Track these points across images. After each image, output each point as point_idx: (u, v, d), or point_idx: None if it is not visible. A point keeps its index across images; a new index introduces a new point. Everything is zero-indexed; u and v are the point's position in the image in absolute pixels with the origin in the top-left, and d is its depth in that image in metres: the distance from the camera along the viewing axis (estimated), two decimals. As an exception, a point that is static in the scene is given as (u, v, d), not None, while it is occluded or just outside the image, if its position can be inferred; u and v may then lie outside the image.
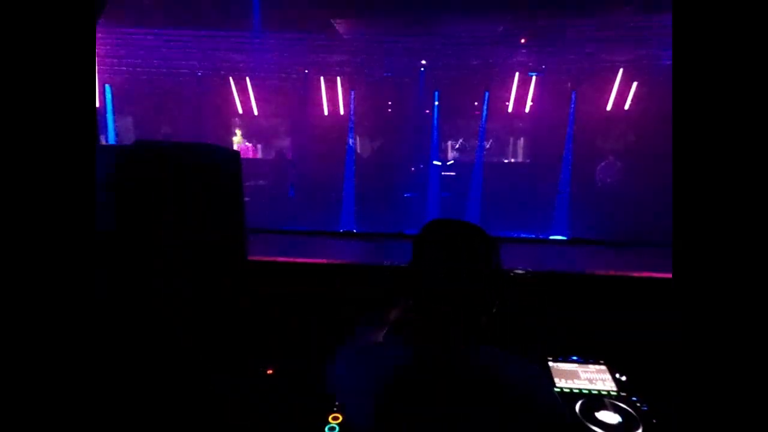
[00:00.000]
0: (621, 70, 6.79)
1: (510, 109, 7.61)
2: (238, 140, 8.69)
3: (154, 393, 1.16)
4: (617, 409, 1.36)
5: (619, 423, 1.30)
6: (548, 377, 0.84)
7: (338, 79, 7.62)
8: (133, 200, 1.13)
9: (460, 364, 0.87)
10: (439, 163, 8.14)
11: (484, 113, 7.80)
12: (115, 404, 1.10)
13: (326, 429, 1.31)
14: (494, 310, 0.93)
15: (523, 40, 6.04)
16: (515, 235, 6.46)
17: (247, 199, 1.47)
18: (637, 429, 1.28)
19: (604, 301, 1.75)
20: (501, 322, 0.95)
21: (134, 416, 1.14)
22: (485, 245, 0.92)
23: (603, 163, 7.36)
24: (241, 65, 7.16)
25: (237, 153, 1.47)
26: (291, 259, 2.09)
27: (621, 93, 7.02)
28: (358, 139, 8.15)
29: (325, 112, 7.85)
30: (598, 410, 1.35)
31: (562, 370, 1.57)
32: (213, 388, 1.27)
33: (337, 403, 1.38)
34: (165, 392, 1.17)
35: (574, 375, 1.55)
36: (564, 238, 6.59)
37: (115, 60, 6.71)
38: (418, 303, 0.93)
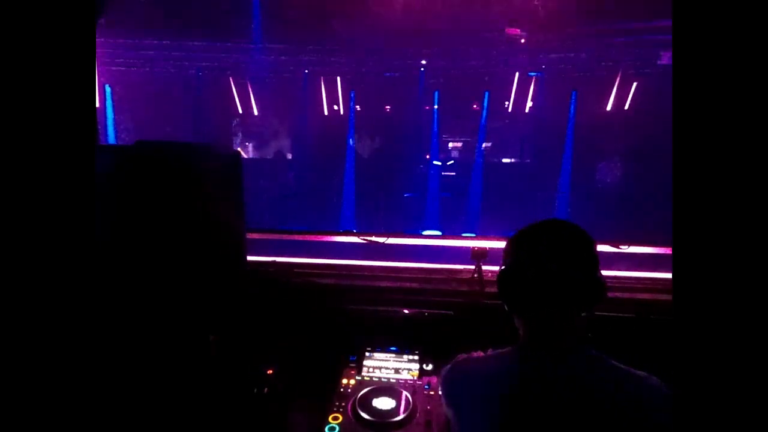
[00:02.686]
0: (621, 70, 6.79)
1: (510, 109, 7.61)
2: (238, 140, 8.69)
3: (154, 393, 1.16)
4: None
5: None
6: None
7: (338, 79, 7.62)
8: (133, 200, 1.13)
9: (582, 381, 0.86)
10: (439, 163, 8.14)
11: (484, 113, 7.80)
12: (113, 404, 1.10)
13: (326, 429, 1.31)
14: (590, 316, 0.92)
15: (522, 41, 6.04)
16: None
17: (246, 198, 1.47)
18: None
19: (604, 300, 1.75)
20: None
21: (134, 416, 1.14)
22: (593, 249, 0.91)
23: (603, 163, 7.37)
24: (241, 65, 7.17)
25: (237, 153, 1.47)
26: (291, 259, 2.09)
27: (621, 93, 7.03)
28: (358, 139, 8.14)
29: (325, 112, 7.84)
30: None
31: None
32: (213, 388, 1.27)
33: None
34: (165, 392, 1.17)
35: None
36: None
37: (116, 61, 6.72)
38: (525, 307, 0.91)
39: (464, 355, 1.01)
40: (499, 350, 0.98)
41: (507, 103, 7.60)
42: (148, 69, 7.04)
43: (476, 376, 0.94)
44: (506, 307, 0.96)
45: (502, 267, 0.95)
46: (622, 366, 0.89)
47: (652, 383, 0.84)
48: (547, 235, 0.91)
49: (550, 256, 0.87)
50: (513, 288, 0.91)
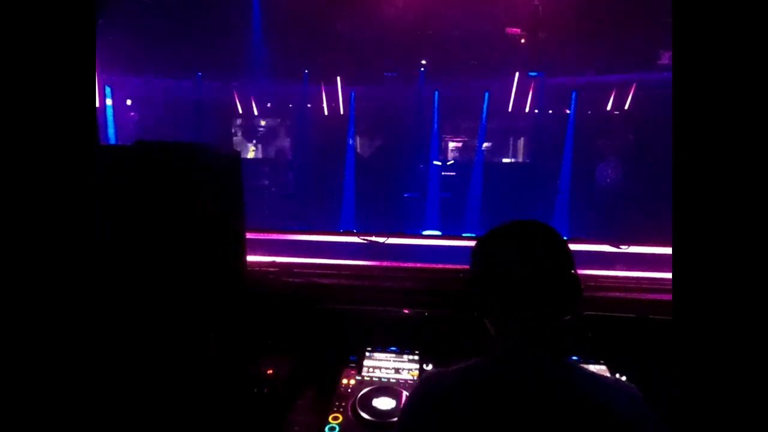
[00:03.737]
0: (621, 71, 6.79)
1: (510, 109, 7.60)
2: (238, 140, 8.69)
3: (154, 393, 1.16)
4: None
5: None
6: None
7: (338, 79, 7.61)
8: (133, 200, 1.13)
9: (554, 384, 0.81)
10: (439, 163, 8.14)
11: (484, 113, 7.80)
12: (114, 404, 1.10)
13: (326, 429, 1.31)
14: (570, 317, 0.86)
15: (522, 41, 6.04)
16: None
17: (246, 198, 1.47)
18: (637, 429, 1.28)
19: (604, 301, 1.75)
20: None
21: (134, 416, 1.14)
22: (565, 245, 0.87)
23: (602, 163, 7.37)
24: (241, 66, 7.16)
25: (237, 153, 1.47)
26: (291, 259, 2.09)
27: (621, 93, 7.02)
28: (358, 139, 8.14)
29: (325, 112, 7.84)
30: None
31: (562, 370, 1.57)
32: (213, 388, 1.27)
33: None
34: (165, 392, 1.17)
35: (574, 375, 1.55)
36: (564, 237, 6.58)
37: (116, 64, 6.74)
38: (495, 312, 0.87)
39: (433, 371, 0.95)
40: (469, 362, 0.91)
41: (507, 103, 7.59)
42: (147, 69, 7.04)
43: (449, 393, 0.86)
44: (476, 313, 0.90)
45: (472, 270, 0.91)
46: (599, 375, 0.87)
47: (631, 393, 0.82)
48: (517, 236, 0.87)
49: (523, 256, 0.83)
50: (484, 292, 0.87)
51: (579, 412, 0.77)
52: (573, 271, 0.86)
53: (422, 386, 0.90)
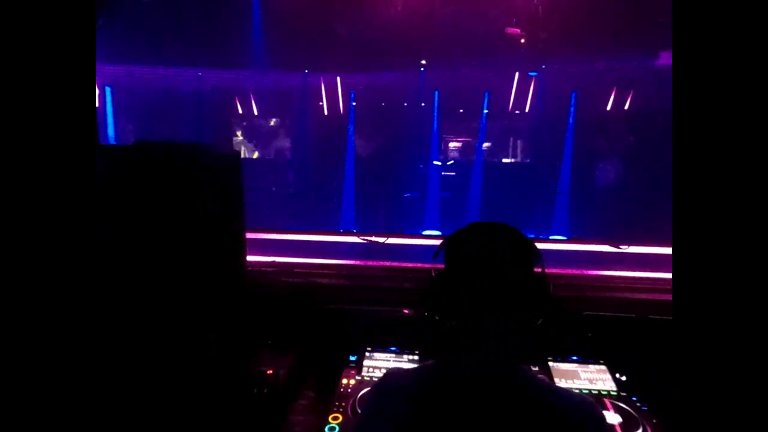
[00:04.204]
0: (621, 71, 6.79)
1: (510, 109, 7.60)
2: (238, 140, 8.69)
3: (154, 393, 1.16)
4: (617, 409, 1.36)
5: (619, 423, 1.30)
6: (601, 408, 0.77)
7: (338, 79, 7.61)
8: (133, 200, 1.13)
9: (508, 386, 0.80)
10: (439, 163, 8.14)
11: (484, 113, 7.80)
12: (114, 405, 1.10)
13: (326, 429, 1.31)
14: (540, 322, 0.84)
15: (522, 41, 6.04)
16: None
17: (246, 198, 1.47)
18: (637, 429, 1.28)
19: (604, 301, 1.75)
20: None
21: (134, 416, 1.14)
22: (527, 247, 0.84)
23: (602, 163, 7.37)
24: (241, 66, 7.17)
25: (237, 153, 1.47)
26: (291, 259, 2.09)
27: (621, 93, 7.02)
28: (358, 139, 8.14)
29: (325, 112, 7.84)
30: (598, 410, 1.34)
31: (562, 370, 1.57)
32: (213, 388, 1.27)
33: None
34: (165, 392, 1.17)
35: (574, 375, 1.55)
36: (564, 237, 6.60)
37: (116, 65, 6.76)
38: (453, 317, 0.84)
39: (394, 369, 0.94)
40: (428, 362, 0.91)
41: (507, 103, 7.59)
42: (147, 69, 7.05)
43: (404, 392, 0.85)
44: (436, 317, 0.88)
45: (432, 275, 0.89)
46: (556, 386, 0.85)
47: (585, 404, 0.80)
48: (477, 236, 0.85)
49: (481, 257, 0.81)
50: (442, 293, 0.85)
51: (528, 419, 0.76)
52: (538, 272, 0.84)
53: (380, 384, 0.90)
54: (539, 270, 0.85)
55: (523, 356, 0.86)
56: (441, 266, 0.89)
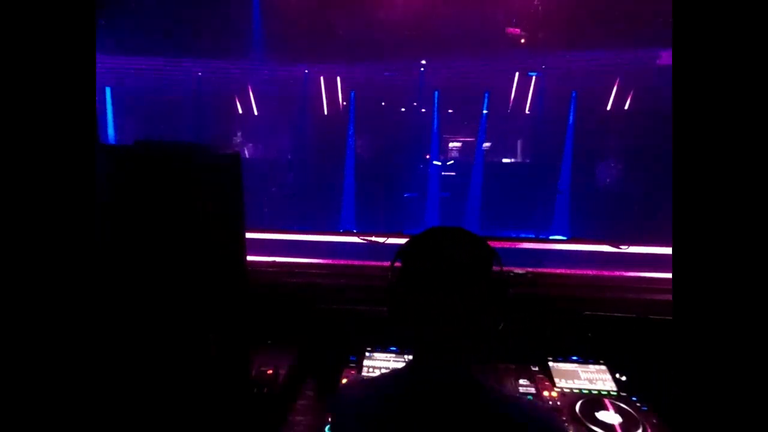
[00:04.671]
0: (621, 71, 6.79)
1: (510, 109, 7.61)
2: (237, 140, 8.69)
3: (154, 393, 1.16)
4: (617, 409, 1.36)
5: (620, 423, 1.30)
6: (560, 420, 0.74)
7: (338, 79, 7.62)
8: (133, 200, 1.13)
9: (466, 393, 0.79)
10: (439, 163, 8.15)
11: (484, 113, 7.81)
12: (114, 405, 1.10)
13: (326, 429, 1.31)
14: (500, 327, 0.82)
15: (522, 41, 6.04)
16: (515, 234, 6.47)
17: (246, 198, 1.47)
18: (637, 429, 1.28)
19: (604, 301, 1.75)
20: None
21: (134, 416, 1.14)
22: (483, 250, 0.82)
23: (602, 163, 7.38)
24: (241, 66, 7.18)
25: (237, 153, 1.46)
26: (291, 259, 2.09)
27: (621, 93, 7.03)
28: (358, 139, 8.15)
29: (325, 112, 7.85)
30: (598, 410, 1.35)
31: (562, 370, 1.57)
32: (213, 388, 1.27)
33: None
34: (165, 392, 1.17)
35: (574, 375, 1.55)
36: (564, 237, 6.60)
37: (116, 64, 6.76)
38: (410, 324, 0.83)
39: (359, 377, 0.94)
40: (391, 371, 0.90)
41: (507, 103, 7.60)
42: (147, 69, 7.05)
43: (364, 401, 0.85)
44: (396, 323, 0.86)
45: (391, 274, 0.88)
46: (514, 397, 0.82)
47: (543, 419, 0.78)
48: (432, 240, 0.83)
49: (437, 261, 0.78)
50: (400, 298, 0.83)
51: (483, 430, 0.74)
52: (494, 273, 0.82)
53: (341, 392, 0.91)
54: (497, 269, 0.82)
55: (479, 362, 0.85)
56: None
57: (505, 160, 8.66)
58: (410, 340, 0.85)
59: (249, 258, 1.60)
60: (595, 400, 1.40)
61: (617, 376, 1.55)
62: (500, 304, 0.81)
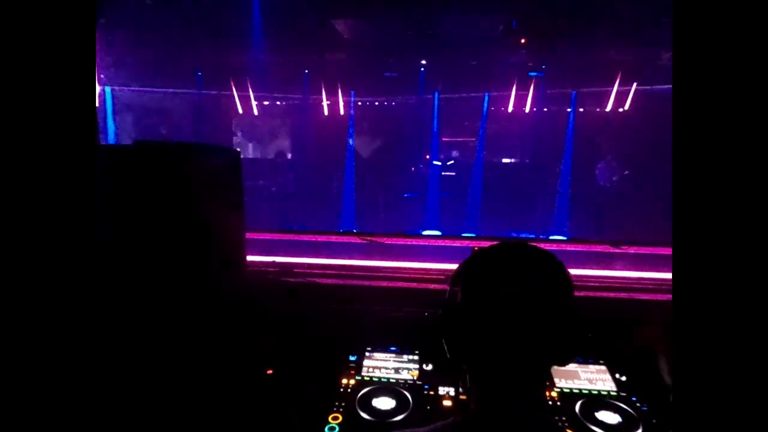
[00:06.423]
0: (621, 71, 6.79)
1: (510, 109, 7.61)
2: (238, 140, 8.70)
3: (153, 394, 1.16)
4: (617, 409, 1.36)
5: (619, 423, 1.30)
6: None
7: (338, 79, 7.62)
8: (132, 200, 1.12)
9: None
10: (439, 163, 8.15)
11: (484, 113, 7.80)
12: (113, 405, 1.10)
13: (326, 429, 1.31)
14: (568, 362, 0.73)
15: (523, 40, 6.04)
16: (515, 235, 6.48)
17: (246, 198, 1.48)
18: (637, 429, 1.28)
19: (604, 301, 1.75)
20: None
21: (134, 416, 1.14)
22: (566, 274, 0.70)
23: (602, 164, 7.38)
24: (241, 66, 7.17)
25: (237, 153, 1.46)
26: (291, 259, 2.09)
27: (621, 93, 7.03)
28: (358, 139, 8.15)
29: (325, 112, 7.85)
30: (598, 410, 1.35)
31: (562, 370, 1.57)
32: (213, 388, 1.27)
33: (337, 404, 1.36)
34: (164, 393, 1.17)
35: (574, 375, 1.55)
36: (564, 237, 6.60)
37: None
38: (480, 360, 0.71)
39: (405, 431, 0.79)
40: (444, 422, 0.76)
41: (507, 103, 7.60)
42: (147, 69, 7.05)
43: None
44: (449, 355, 0.75)
45: (449, 301, 0.75)
46: None
47: None
48: (513, 262, 0.70)
49: (521, 288, 0.67)
50: (466, 330, 0.71)
51: None
52: (573, 309, 0.70)
53: None
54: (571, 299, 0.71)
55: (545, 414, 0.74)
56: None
57: (505, 161, 8.66)
58: (476, 381, 0.73)
59: (249, 258, 1.60)
60: (595, 400, 1.40)
61: (617, 376, 1.55)
62: (580, 337, 0.71)
